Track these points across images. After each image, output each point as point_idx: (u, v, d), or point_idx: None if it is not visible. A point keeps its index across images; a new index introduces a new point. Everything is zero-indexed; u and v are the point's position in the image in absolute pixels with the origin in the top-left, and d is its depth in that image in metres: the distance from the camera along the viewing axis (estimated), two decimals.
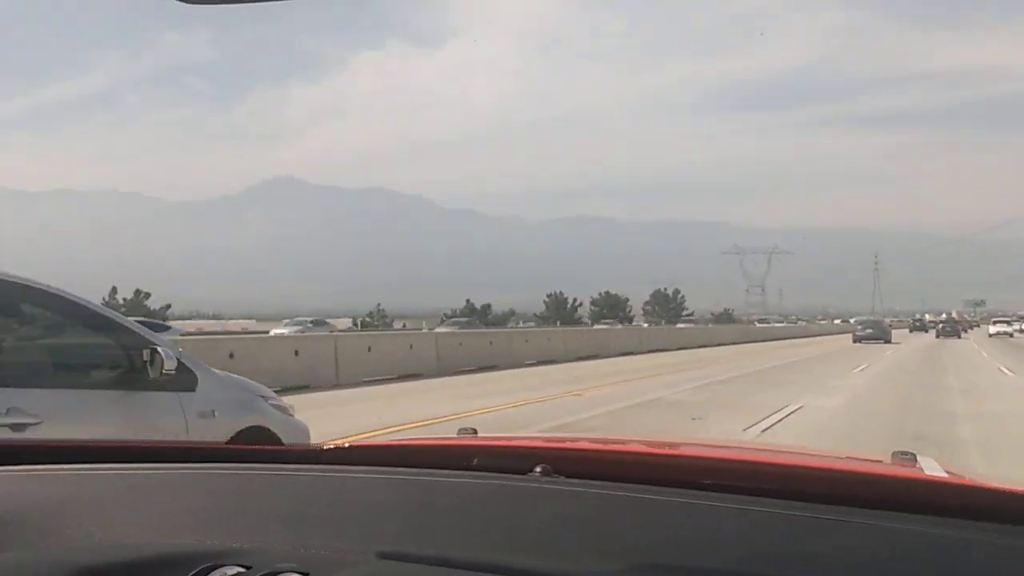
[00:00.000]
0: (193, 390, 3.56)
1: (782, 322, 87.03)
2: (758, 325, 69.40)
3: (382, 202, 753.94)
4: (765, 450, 1.75)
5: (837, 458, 1.58)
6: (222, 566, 0.81)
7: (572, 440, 1.95)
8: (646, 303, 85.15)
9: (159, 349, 3.39)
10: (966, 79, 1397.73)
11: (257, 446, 1.43)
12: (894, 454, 1.33)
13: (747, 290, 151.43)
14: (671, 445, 1.71)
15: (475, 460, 1.19)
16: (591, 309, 76.25)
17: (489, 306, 58.13)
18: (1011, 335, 54.32)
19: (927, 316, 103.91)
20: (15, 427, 2.87)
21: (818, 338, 52.49)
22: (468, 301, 62.35)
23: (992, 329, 57.74)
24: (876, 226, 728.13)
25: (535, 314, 72.00)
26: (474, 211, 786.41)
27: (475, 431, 1.51)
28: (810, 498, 0.89)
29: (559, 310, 69.00)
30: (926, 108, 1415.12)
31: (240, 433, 3.63)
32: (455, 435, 1.54)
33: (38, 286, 3.32)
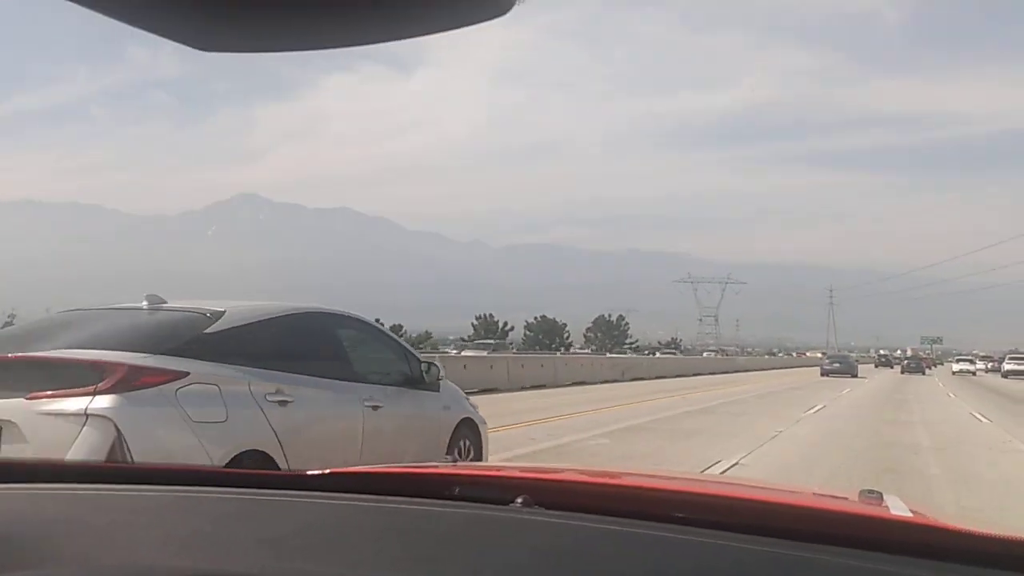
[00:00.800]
0: (438, 391, 5.56)
1: (716, 352, 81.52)
2: (703, 355, 64.72)
3: (345, 221, 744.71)
4: (740, 485, 1.95)
5: (807, 494, 1.63)
6: None
7: (553, 471, 1.96)
8: (588, 329, 79.37)
9: (435, 362, 5.56)
10: (922, 122, 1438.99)
11: (244, 471, 1.49)
12: (861, 492, 1.35)
13: (700, 320, 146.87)
14: (647, 477, 1.75)
15: (456, 489, 1.20)
16: (525, 334, 70.41)
17: (401, 326, 52.25)
18: (974, 374, 52.08)
19: (883, 352, 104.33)
20: (374, 408, 4.75)
21: (744, 374, 40.55)
22: (377, 320, 56.13)
23: (955, 367, 55.75)
24: (832, 263, 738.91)
25: (462, 338, 65.83)
26: (438, 234, 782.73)
27: (455, 460, 1.56)
28: (782, 534, 0.92)
29: (488, 333, 63.00)
30: (885, 148, 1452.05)
31: (460, 422, 5.65)
32: (438, 463, 1.58)
33: (372, 323, 5.86)
